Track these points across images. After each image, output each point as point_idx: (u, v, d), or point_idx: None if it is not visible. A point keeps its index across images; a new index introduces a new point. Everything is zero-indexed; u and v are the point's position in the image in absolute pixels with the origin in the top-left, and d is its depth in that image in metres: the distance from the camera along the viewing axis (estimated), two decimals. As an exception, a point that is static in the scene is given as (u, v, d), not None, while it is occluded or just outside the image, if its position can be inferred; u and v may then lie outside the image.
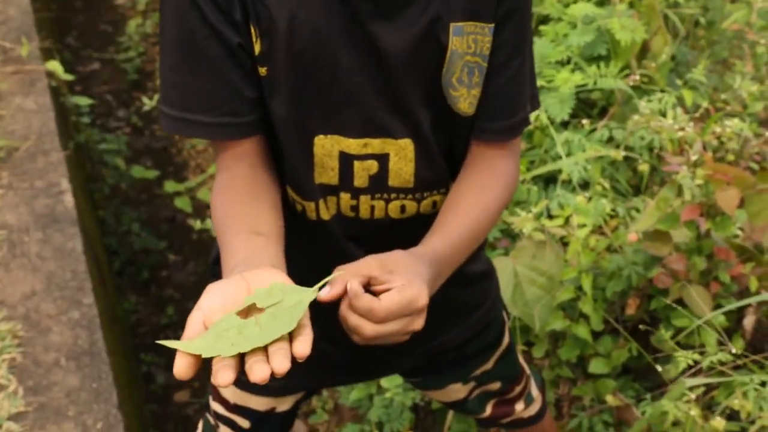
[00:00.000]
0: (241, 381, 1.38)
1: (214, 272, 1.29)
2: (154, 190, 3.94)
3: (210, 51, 1.16)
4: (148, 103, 3.58)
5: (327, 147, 1.25)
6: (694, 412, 1.76)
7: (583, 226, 2.18)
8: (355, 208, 1.31)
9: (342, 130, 1.24)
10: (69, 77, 3.43)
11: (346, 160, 1.26)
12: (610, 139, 2.48)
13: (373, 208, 1.32)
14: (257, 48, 1.17)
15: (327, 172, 1.27)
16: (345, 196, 1.30)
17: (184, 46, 1.17)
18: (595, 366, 2.18)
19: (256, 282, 0.98)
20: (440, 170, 1.32)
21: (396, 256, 1.12)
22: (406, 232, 1.30)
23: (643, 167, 2.39)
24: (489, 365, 1.66)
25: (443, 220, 1.27)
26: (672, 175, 2.11)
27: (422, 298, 1.07)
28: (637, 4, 2.67)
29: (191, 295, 3.43)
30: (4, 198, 2.67)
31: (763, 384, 1.80)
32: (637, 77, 2.51)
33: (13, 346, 2.18)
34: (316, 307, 1.15)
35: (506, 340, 1.70)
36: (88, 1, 5.65)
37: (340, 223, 1.32)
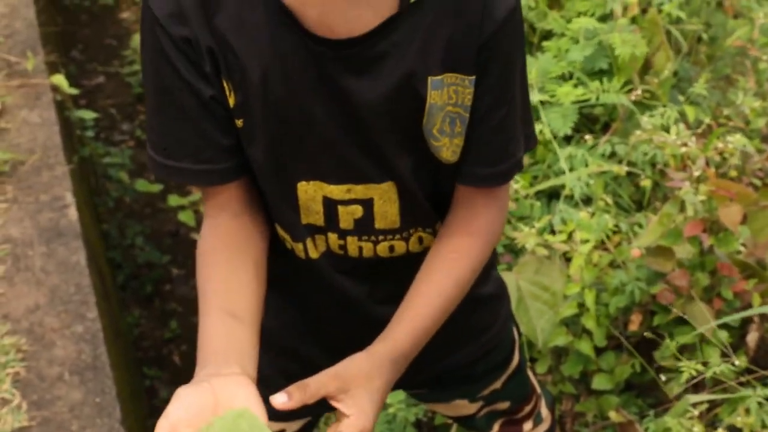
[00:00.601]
0: None
1: None
2: (158, 203, 3.93)
3: (184, 102, 1.17)
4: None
5: (310, 192, 1.25)
6: (697, 428, 1.76)
7: (586, 241, 2.18)
8: (343, 248, 1.31)
9: (323, 176, 1.23)
10: (74, 91, 3.44)
11: (330, 205, 1.26)
12: (613, 154, 2.48)
13: (361, 248, 1.31)
14: (231, 100, 1.18)
15: (312, 215, 1.27)
16: (332, 236, 1.30)
17: (159, 94, 1.19)
18: (599, 382, 2.18)
19: (224, 395, 1.02)
20: (425, 210, 1.31)
21: (354, 369, 1.16)
22: (397, 269, 1.33)
23: (646, 183, 2.39)
24: (498, 385, 1.64)
25: (411, 303, 1.26)
26: (675, 191, 2.12)
27: (366, 430, 1.13)
28: (639, 19, 2.67)
29: (194, 308, 3.42)
30: (8, 212, 2.67)
31: (767, 399, 1.81)
32: (639, 92, 2.51)
33: (17, 361, 2.18)
34: (321, 326, 1.19)
35: (516, 360, 1.67)
36: (93, 15, 5.66)
37: (329, 259, 1.33)
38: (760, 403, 1.73)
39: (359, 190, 1.24)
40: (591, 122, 2.69)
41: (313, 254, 1.31)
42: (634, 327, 2.14)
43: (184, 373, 3.04)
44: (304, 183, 1.24)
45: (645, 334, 2.16)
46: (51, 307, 2.36)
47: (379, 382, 1.17)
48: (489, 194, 1.29)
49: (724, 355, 2.16)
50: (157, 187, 3.92)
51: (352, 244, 1.30)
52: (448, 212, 1.32)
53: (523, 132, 1.28)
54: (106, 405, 2.13)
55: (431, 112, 1.18)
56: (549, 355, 2.22)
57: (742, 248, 2.17)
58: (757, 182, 2.38)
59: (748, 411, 1.77)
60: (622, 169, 2.36)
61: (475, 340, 1.56)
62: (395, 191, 1.25)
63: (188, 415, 0.99)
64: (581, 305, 2.15)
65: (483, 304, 1.53)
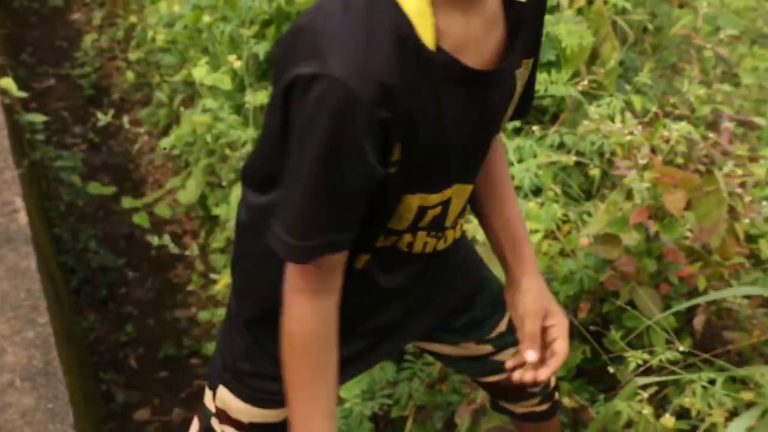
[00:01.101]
0: (254, 397, 1.49)
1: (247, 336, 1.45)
2: (112, 206, 3.92)
3: (356, 188, 1.16)
4: (103, 118, 3.57)
5: (410, 203, 1.28)
6: (647, 411, 1.78)
7: (536, 231, 2.20)
8: (410, 245, 1.37)
9: (431, 190, 1.29)
10: (23, 94, 3.43)
11: (422, 211, 1.31)
12: (561, 145, 2.50)
13: (426, 243, 1.38)
14: (397, 153, 1.18)
15: (401, 222, 1.31)
16: (407, 235, 1.35)
17: (331, 183, 1.15)
18: None
19: None
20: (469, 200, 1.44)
21: (533, 296, 1.44)
22: (434, 264, 1.46)
23: (594, 172, 2.42)
24: (503, 327, 1.68)
25: (513, 225, 1.51)
26: (621, 179, 2.14)
27: (566, 321, 1.44)
28: (585, 10, 2.70)
29: (150, 311, 3.43)
30: (-43, 218, 2.66)
31: (711, 382, 1.83)
32: (587, 83, 2.56)
33: (-34, 367, 2.17)
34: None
35: None
36: (43, 17, 5.64)
37: (382, 257, 1.38)
38: (704, 387, 1.74)
39: (447, 192, 1.32)
40: (540, 113, 2.71)
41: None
42: (583, 314, 2.14)
43: (141, 375, 3.04)
44: (409, 196, 1.27)
45: (594, 321, 2.19)
46: (1, 314, 2.34)
47: (545, 286, 1.47)
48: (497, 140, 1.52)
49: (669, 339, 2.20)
50: (110, 190, 3.92)
51: (420, 240, 1.37)
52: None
53: None
54: (59, 410, 2.12)
55: (515, 98, 1.35)
56: None
57: (688, 233, 2.20)
58: (703, 168, 2.41)
59: (695, 392, 1.79)
60: (571, 159, 2.39)
61: (470, 272, 1.66)
62: (469, 191, 1.39)
63: None
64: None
65: (464, 238, 1.62)
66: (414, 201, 1.28)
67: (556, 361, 1.40)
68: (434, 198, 1.30)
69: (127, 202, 3.77)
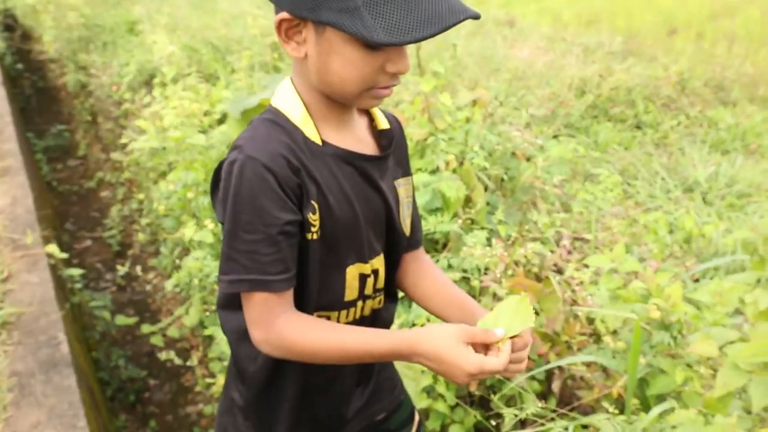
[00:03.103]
0: None
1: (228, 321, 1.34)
2: (135, 332, 3.90)
3: (285, 230, 1.14)
4: (121, 269, 3.62)
5: (353, 273, 1.28)
6: (520, 455, 1.82)
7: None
8: (362, 309, 1.33)
9: (359, 259, 1.28)
10: (64, 255, 3.44)
11: (363, 279, 1.30)
12: (450, 266, 2.54)
13: (364, 307, 1.34)
14: (317, 219, 1.18)
15: (352, 291, 1.29)
16: (359, 303, 1.32)
17: (264, 227, 1.12)
18: (453, 430, 2.18)
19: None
20: (389, 272, 1.39)
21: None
22: (375, 318, 1.38)
23: (475, 283, 2.44)
24: None
25: (457, 293, 1.39)
26: (488, 288, 2.23)
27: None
28: (458, 170, 2.78)
29: (168, 409, 3.39)
30: (15, 352, 2.64)
31: (566, 429, 1.88)
32: (462, 221, 2.62)
33: (23, 467, 2.14)
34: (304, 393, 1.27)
35: (417, 417, 1.66)
36: (81, 196, 5.68)
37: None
38: None
39: (375, 263, 1.31)
40: (433, 244, 2.76)
41: (343, 322, 1.31)
42: (473, 388, 2.14)
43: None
44: (350, 267, 1.27)
45: (483, 394, 2.23)
46: (49, 422, 2.31)
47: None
48: (423, 252, 1.48)
49: (541, 398, 2.24)
50: (133, 320, 3.90)
51: (368, 305, 1.34)
52: (403, 278, 1.43)
53: None
54: (95, 493, 2.09)
55: (401, 202, 1.34)
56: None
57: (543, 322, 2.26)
58: (553, 274, 2.49)
59: None
60: (457, 276, 2.43)
61: (389, 393, 1.55)
62: (383, 261, 1.34)
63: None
64: (435, 377, 2.17)
65: (390, 365, 1.58)
66: (355, 270, 1.27)
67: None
68: (367, 267, 1.29)
69: (146, 328, 3.77)
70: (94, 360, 3.59)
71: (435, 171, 2.80)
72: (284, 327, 1.16)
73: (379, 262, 1.33)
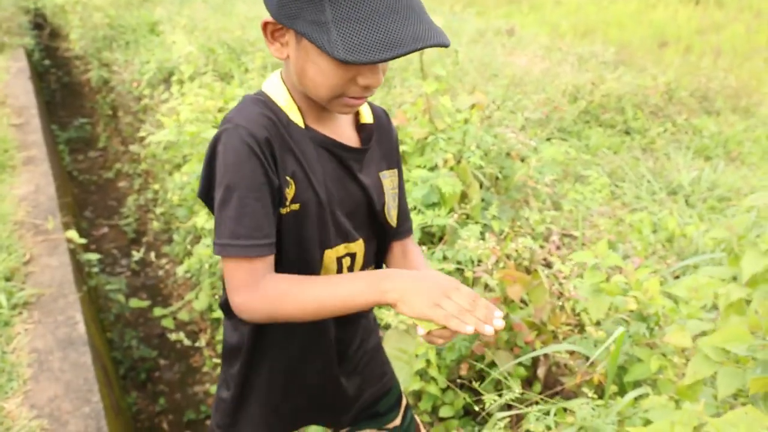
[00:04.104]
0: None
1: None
2: (147, 314, 3.91)
3: (266, 193, 1.13)
4: (136, 255, 3.62)
5: (331, 256, 1.27)
6: (504, 435, 1.83)
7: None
8: None
9: (337, 243, 1.27)
10: (83, 241, 3.45)
11: (339, 262, 1.29)
12: (445, 258, 2.55)
13: None
14: (291, 191, 1.17)
15: (328, 272, 1.28)
16: None
17: (250, 190, 1.12)
18: (444, 412, 2.19)
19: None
20: (371, 261, 1.38)
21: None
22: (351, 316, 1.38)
23: (469, 274, 2.44)
24: (397, 422, 1.60)
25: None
26: (479, 278, 2.24)
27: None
28: (455, 167, 2.78)
29: (177, 388, 3.40)
30: (35, 330, 2.65)
31: (547, 413, 1.89)
32: (457, 216, 2.62)
33: (41, 437, 2.16)
34: (306, 375, 1.28)
35: (404, 401, 1.66)
36: (99, 186, 5.69)
37: None
38: (537, 417, 1.78)
39: (351, 246, 1.30)
40: (430, 237, 2.76)
41: None
42: (463, 372, 2.18)
43: (171, 435, 3.02)
44: (328, 250, 1.25)
45: (472, 377, 2.24)
46: (65, 396, 2.33)
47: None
48: (410, 239, 1.45)
49: (527, 383, 2.25)
50: (146, 303, 3.91)
51: None
52: (399, 264, 1.41)
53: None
54: (107, 464, 2.11)
55: (387, 193, 1.34)
56: (410, 396, 2.24)
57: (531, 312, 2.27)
58: (541, 268, 2.50)
59: (537, 419, 1.83)
60: (452, 267, 2.44)
61: (379, 380, 1.55)
62: (363, 246, 1.32)
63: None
64: (428, 361, 2.19)
65: (378, 351, 1.57)
66: (332, 254, 1.26)
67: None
68: (340, 249, 1.27)
69: (158, 311, 3.77)
70: (109, 340, 3.61)
71: (434, 168, 2.80)
72: (267, 285, 1.14)
73: (357, 247, 1.31)
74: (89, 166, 6.04)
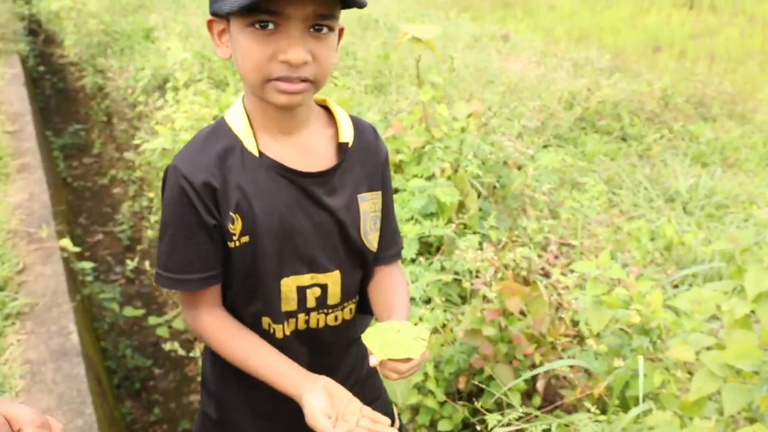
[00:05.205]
0: None
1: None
2: (141, 323, 3.87)
3: (198, 232, 1.17)
4: (130, 263, 3.58)
5: (289, 285, 1.23)
6: (504, 451, 1.80)
7: (427, 329, 2.22)
8: (307, 322, 1.29)
9: (297, 272, 1.23)
10: (77, 249, 3.40)
11: (302, 292, 1.25)
12: (443, 268, 2.52)
13: (318, 320, 1.29)
14: (238, 226, 1.17)
15: (289, 303, 1.25)
16: (301, 315, 1.27)
17: (180, 229, 1.17)
18: (443, 425, 2.16)
19: (334, 391, 1.14)
20: (355, 289, 1.34)
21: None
22: (336, 333, 1.33)
23: (466, 285, 2.41)
24: None
25: (391, 300, 1.31)
26: (478, 291, 2.21)
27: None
28: (453, 177, 2.76)
29: (171, 397, 3.36)
30: (27, 341, 2.61)
31: (548, 429, 1.85)
32: (456, 225, 2.60)
33: (32, 451, 2.11)
34: (276, 402, 1.21)
35: (398, 424, 1.61)
36: (94, 192, 5.65)
37: (296, 334, 1.30)
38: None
39: (319, 278, 1.25)
40: (427, 247, 2.72)
41: (287, 332, 1.28)
42: (462, 385, 2.14)
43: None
44: (285, 279, 1.23)
45: (471, 390, 2.20)
46: (58, 408, 2.29)
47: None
48: (395, 266, 1.39)
49: (526, 395, 2.22)
50: (140, 312, 3.86)
51: (314, 318, 1.29)
52: (374, 292, 1.36)
53: (398, 232, 1.43)
54: (99, 477, 2.07)
55: (364, 217, 1.28)
56: (408, 410, 2.21)
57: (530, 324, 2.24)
58: (540, 278, 2.47)
59: None
60: (449, 277, 2.41)
61: (369, 404, 1.50)
62: (340, 278, 1.27)
63: (327, 405, 1.10)
64: (425, 374, 2.15)
65: (370, 377, 1.53)
66: (290, 282, 1.23)
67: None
68: (305, 279, 1.24)
69: (152, 320, 3.73)
70: (103, 349, 3.56)
71: (431, 177, 2.78)
72: (207, 326, 1.22)
73: (329, 278, 1.26)
74: (84, 173, 5.99)
